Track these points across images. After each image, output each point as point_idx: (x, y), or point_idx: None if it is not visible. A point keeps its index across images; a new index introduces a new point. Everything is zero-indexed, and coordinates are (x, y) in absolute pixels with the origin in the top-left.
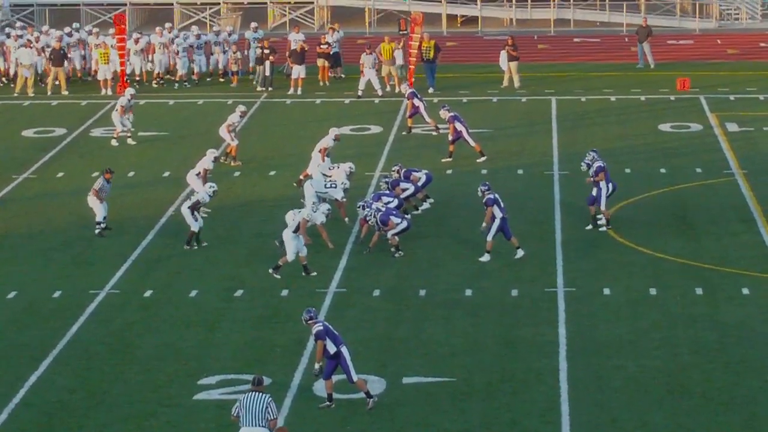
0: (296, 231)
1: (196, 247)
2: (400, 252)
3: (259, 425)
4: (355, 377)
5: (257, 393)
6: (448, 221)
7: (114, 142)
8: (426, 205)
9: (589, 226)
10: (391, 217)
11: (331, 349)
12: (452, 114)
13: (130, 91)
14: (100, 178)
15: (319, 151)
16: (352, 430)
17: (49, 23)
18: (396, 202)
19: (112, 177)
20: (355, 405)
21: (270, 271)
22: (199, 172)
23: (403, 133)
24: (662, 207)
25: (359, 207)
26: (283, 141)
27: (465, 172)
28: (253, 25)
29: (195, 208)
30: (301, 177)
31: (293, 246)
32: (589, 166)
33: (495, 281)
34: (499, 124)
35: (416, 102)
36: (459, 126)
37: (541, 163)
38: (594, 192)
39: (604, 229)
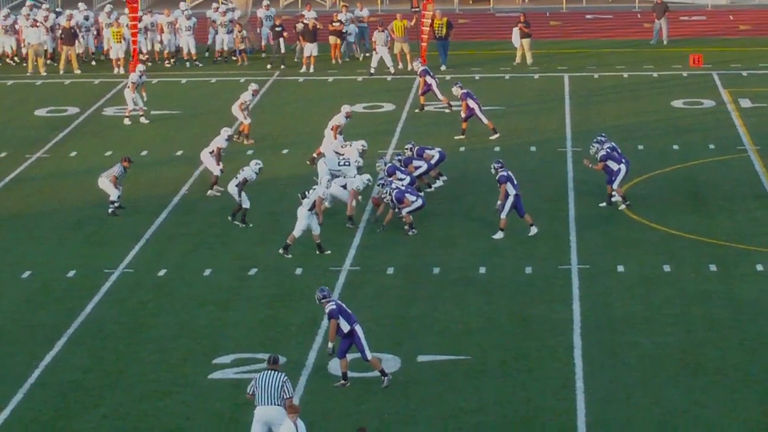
0: (312, 209)
1: (250, 225)
2: (414, 230)
3: (275, 404)
4: (369, 355)
5: (273, 372)
6: (462, 199)
7: (126, 121)
8: (439, 183)
9: (603, 204)
10: (407, 195)
11: (345, 327)
12: (465, 91)
13: (140, 67)
14: (118, 166)
15: (332, 129)
16: (367, 409)
17: (62, 2)
18: (408, 179)
19: (130, 166)
20: (369, 383)
21: (280, 251)
22: (213, 151)
23: (416, 110)
24: (675, 184)
25: (379, 185)
26: (295, 119)
27: (478, 149)
28: (265, 2)
29: (243, 185)
30: (314, 155)
31: (305, 223)
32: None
33: (509, 259)
34: (511, 101)
35: (428, 79)
36: (472, 103)
37: (554, 140)
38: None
39: (622, 207)
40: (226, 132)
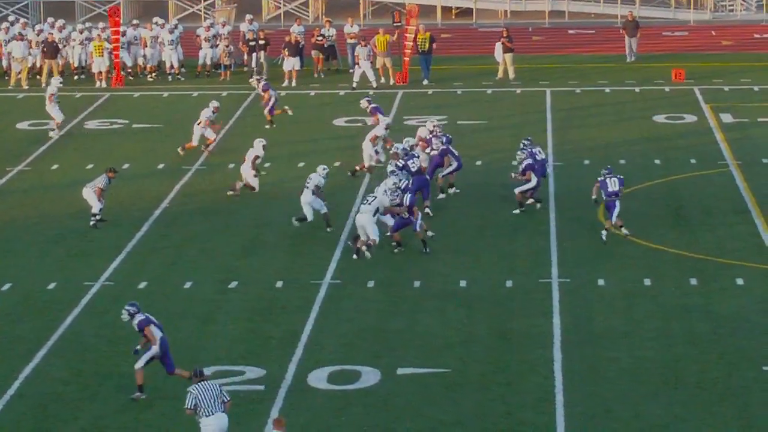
0: (375, 214)
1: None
2: (400, 248)
3: (219, 411)
4: (174, 369)
5: (207, 382)
6: (443, 212)
7: (52, 134)
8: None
9: (517, 210)
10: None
11: (158, 335)
12: (374, 105)
13: (57, 79)
14: (103, 177)
15: (370, 140)
16: (347, 422)
17: (44, 16)
18: (405, 182)
19: (115, 176)
20: (349, 396)
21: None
22: (252, 163)
23: (266, 126)
24: (657, 198)
25: (391, 172)
26: (277, 133)
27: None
28: (248, 17)
29: (318, 192)
30: (357, 168)
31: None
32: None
33: (489, 272)
34: (493, 115)
35: (272, 93)
36: (382, 118)
37: None
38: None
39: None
40: (260, 142)
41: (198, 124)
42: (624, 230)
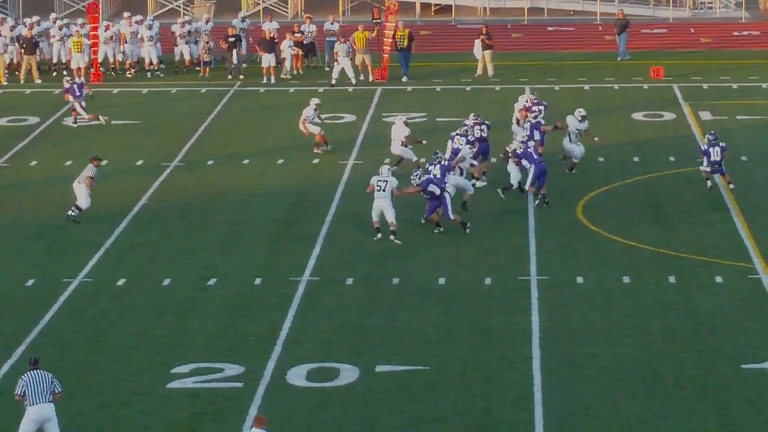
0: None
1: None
2: (440, 228)
3: (47, 401)
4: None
5: (39, 371)
6: (421, 208)
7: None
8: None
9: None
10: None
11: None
12: (68, 87)
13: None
14: (90, 167)
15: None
16: (326, 419)
17: (23, 11)
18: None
19: (100, 164)
20: (327, 393)
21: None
22: (402, 141)
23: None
24: (635, 195)
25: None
26: (256, 129)
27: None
28: (241, 14)
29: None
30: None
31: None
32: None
33: (468, 270)
34: (473, 112)
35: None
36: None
37: None
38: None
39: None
40: (400, 120)
41: (303, 121)
42: (731, 186)
